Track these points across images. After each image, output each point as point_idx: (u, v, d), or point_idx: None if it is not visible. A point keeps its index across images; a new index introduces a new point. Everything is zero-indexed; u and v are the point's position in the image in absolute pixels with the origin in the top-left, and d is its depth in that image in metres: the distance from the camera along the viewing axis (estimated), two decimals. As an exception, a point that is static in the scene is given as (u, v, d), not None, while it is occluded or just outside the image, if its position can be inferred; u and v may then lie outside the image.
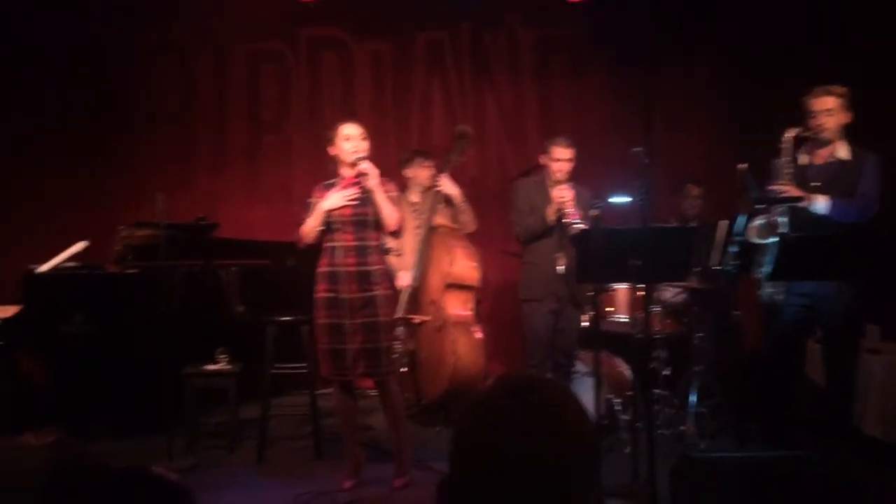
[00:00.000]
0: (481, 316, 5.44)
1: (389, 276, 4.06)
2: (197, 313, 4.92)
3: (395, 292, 4.10)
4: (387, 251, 4.31)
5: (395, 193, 4.03)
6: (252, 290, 5.01)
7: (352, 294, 3.90)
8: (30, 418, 4.71)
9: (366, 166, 3.88)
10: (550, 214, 4.53)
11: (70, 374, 4.77)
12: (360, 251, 3.92)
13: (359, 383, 4.31)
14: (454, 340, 5.01)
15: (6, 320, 4.73)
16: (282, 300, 4.84)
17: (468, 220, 5.32)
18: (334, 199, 3.92)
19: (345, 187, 3.95)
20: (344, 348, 3.90)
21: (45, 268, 4.87)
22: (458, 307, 5.18)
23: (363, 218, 3.92)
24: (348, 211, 3.92)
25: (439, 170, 5.24)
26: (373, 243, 3.97)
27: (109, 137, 6.26)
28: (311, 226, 3.95)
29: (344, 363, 3.91)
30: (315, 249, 4.05)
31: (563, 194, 4.48)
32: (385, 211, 3.88)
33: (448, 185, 5.15)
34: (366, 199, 3.91)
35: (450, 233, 5.24)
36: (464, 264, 5.16)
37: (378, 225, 3.94)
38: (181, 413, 4.62)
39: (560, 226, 4.55)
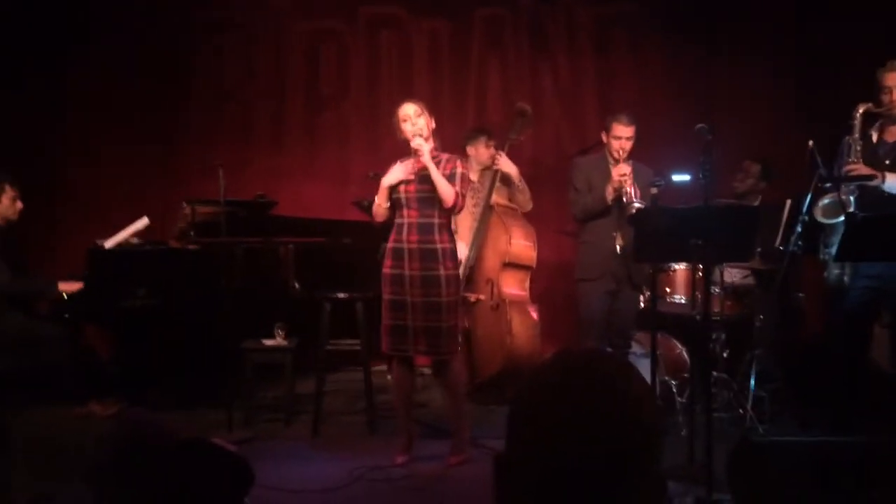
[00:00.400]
0: (536, 296, 5.40)
1: (455, 256, 4.00)
2: (255, 289, 4.99)
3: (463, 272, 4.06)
4: None
5: (461, 170, 3.94)
6: (308, 268, 5.06)
7: (414, 271, 3.89)
8: (94, 389, 4.85)
9: (418, 142, 3.85)
10: (609, 193, 4.45)
11: (133, 347, 4.91)
12: (425, 228, 3.90)
13: (417, 361, 4.32)
14: (510, 320, 4.99)
15: (72, 294, 4.87)
16: (337, 277, 4.88)
17: (525, 200, 5.28)
18: (394, 173, 3.93)
19: (415, 165, 3.93)
20: (405, 325, 3.91)
21: (109, 243, 4.99)
22: (515, 286, 5.16)
23: (429, 195, 3.88)
24: (413, 188, 3.91)
25: (498, 148, 5.20)
26: (438, 221, 3.92)
27: (172, 115, 6.38)
28: (377, 203, 3.97)
29: (405, 340, 3.92)
30: (381, 227, 4.07)
31: (623, 170, 4.40)
32: (440, 187, 3.85)
33: (506, 164, 5.11)
34: (429, 175, 3.87)
35: (507, 212, 5.21)
36: (521, 244, 5.13)
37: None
38: (239, 386, 4.70)
39: (618, 205, 4.48)
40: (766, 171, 5.25)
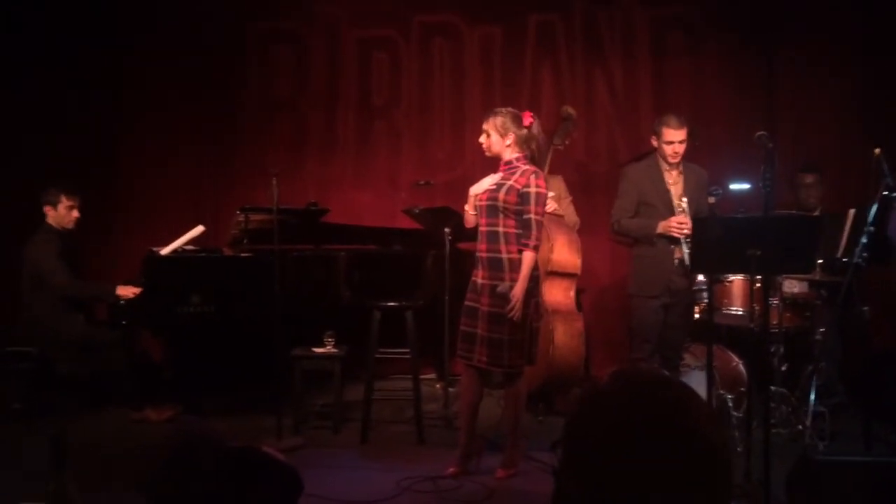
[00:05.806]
0: (585, 304, 5.31)
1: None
2: (306, 297, 5.01)
3: (533, 283, 3.94)
4: None
5: (535, 189, 3.79)
6: (359, 276, 5.06)
7: (484, 280, 3.88)
8: (150, 395, 4.93)
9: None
10: (659, 229, 4.38)
11: (187, 354, 4.96)
12: (492, 237, 3.87)
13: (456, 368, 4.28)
14: (552, 330, 4.91)
15: (129, 300, 4.94)
16: (387, 286, 4.87)
17: (572, 223, 5.25)
18: (480, 183, 3.95)
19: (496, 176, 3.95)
20: (474, 332, 3.90)
21: (165, 250, 5.06)
22: (559, 295, 5.07)
23: (493, 203, 3.85)
24: (484, 196, 3.91)
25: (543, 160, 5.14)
26: (503, 230, 3.85)
27: (226, 124, 6.45)
28: (466, 209, 4.02)
29: (472, 347, 3.91)
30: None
31: (685, 228, 4.29)
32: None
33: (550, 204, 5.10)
34: (502, 184, 3.85)
35: (551, 219, 5.13)
36: (565, 251, 5.05)
37: (510, 213, 3.84)
38: (289, 394, 4.72)
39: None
40: (822, 177, 5.15)
